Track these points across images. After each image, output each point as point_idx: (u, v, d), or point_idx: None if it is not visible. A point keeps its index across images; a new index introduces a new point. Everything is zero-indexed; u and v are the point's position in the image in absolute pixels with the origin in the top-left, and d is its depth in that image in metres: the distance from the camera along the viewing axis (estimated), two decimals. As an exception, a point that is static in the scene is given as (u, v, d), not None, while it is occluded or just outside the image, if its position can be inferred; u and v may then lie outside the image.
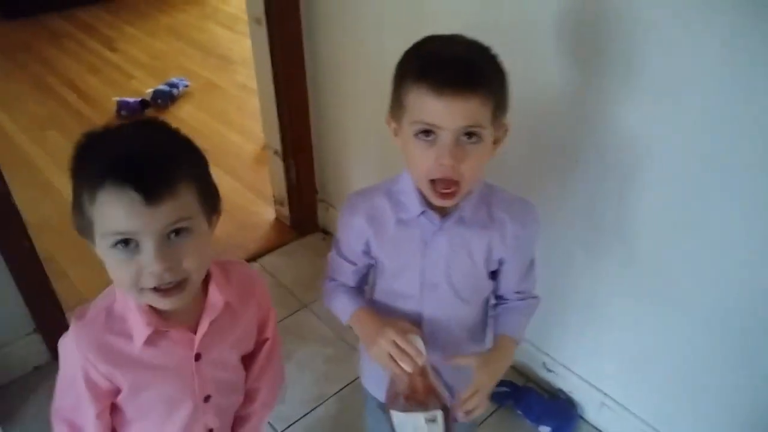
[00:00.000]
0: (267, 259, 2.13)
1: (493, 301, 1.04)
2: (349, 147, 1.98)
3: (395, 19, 1.57)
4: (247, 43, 3.67)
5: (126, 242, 0.71)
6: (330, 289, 1.03)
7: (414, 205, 0.88)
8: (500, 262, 0.95)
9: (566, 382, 1.60)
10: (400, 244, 0.91)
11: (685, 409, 1.36)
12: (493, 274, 0.97)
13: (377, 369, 0.96)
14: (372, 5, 1.61)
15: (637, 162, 1.20)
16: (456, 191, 0.81)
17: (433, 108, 0.76)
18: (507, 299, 1.01)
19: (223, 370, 0.92)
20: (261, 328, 0.98)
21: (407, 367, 0.84)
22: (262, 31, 1.81)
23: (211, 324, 0.85)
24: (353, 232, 0.95)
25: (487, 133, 0.80)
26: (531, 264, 0.99)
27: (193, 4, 4.37)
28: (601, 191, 1.29)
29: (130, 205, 0.68)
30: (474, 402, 0.88)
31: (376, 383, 1.08)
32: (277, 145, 2.05)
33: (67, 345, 0.83)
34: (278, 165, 2.10)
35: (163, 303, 0.76)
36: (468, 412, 0.89)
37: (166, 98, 3.02)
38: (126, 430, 0.90)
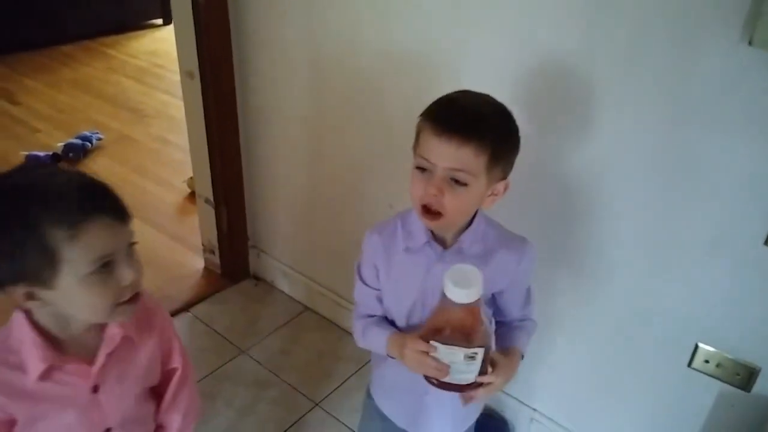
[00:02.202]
0: (199, 308, 2.13)
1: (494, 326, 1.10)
2: (280, 193, 2.06)
3: (326, 72, 1.70)
4: (159, 95, 3.76)
5: (106, 264, 0.79)
6: (360, 328, 1.08)
7: (420, 235, 0.98)
8: (498, 294, 1.04)
9: (498, 402, 1.73)
10: (406, 269, 1.00)
11: (599, 412, 1.54)
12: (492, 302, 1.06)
13: (394, 393, 1.08)
14: (303, 58, 1.74)
15: (587, 195, 1.38)
16: (439, 216, 0.91)
17: (432, 146, 0.88)
18: (511, 322, 1.09)
19: (125, 403, 0.95)
20: (165, 358, 1.01)
21: (433, 373, 0.88)
22: (195, 84, 1.88)
23: (109, 356, 0.89)
24: (370, 254, 1.04)
25: (476, 182, 0.89)
26: (528, 293, 1.08)
27: (98, 58, 4.30)
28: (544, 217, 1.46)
29: (111, 228, 0.79)
30: (481, 392, 0.92)
31: (392, 405, 1.16)
32: (208, 193, 2.09)
33: None
34: (209, 213, 2.13)
35: (130, 313, 0.85)
36: (471, 397, 0.94)
37: (78, 151, 2.95)
38: None
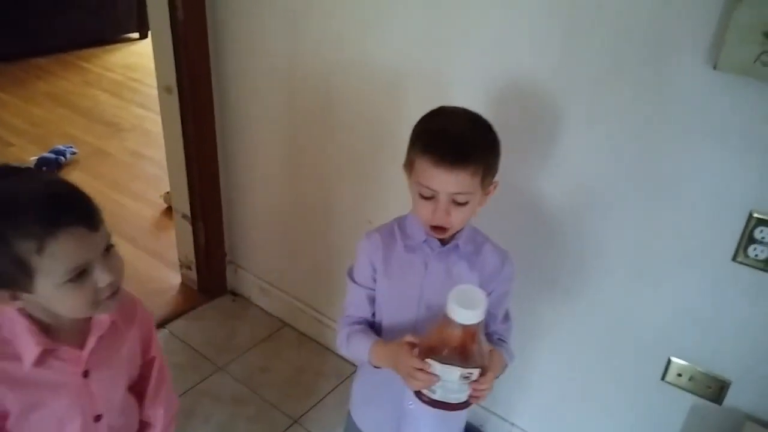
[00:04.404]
0: (175, 325, 2.10)
1: None
2: (258, 208, 2.06)
3: (306, 88, 1.72)
4: (135, 109, 3.73)
5: (82, 273, 0.80)
6: (345, 336, 1.10)
7: (419, 234, 1.05)
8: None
9: (477, 416, 1.74)
10: (405, 266, 1.06)
11: (575, 426, 1.56)
12: None
13: (372, 404, 1.10)
14: (282, 73, 1.74)
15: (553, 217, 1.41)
16: (447, 231, 1.00)
17: (433, 176, 0.95)
18: (492, 335, 1.10)
19: (114, 390, 0.99)
20: (145, 347, 1.05)
21: (423, 386, 0.92)
22: (173, 99, 1.87)
23: (98, 340, 0.92)
24: (368, 252, 1.08)
25: (475, 196, 0.98)
26: (507, 313, 1.13)
27: (73, 71, 4.25)
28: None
29: (82, 239, 0.79)
30: (485, 387, 0.93)
31: (362, 413, 1.19)
32: (185, 208, 2.07)
33: None
34: (186, 228, 2.12)
35: (113, 306, 0.87)
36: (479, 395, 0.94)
37: (52, 166, 2.91)
38: None
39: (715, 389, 1.28)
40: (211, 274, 2.20)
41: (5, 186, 0.80)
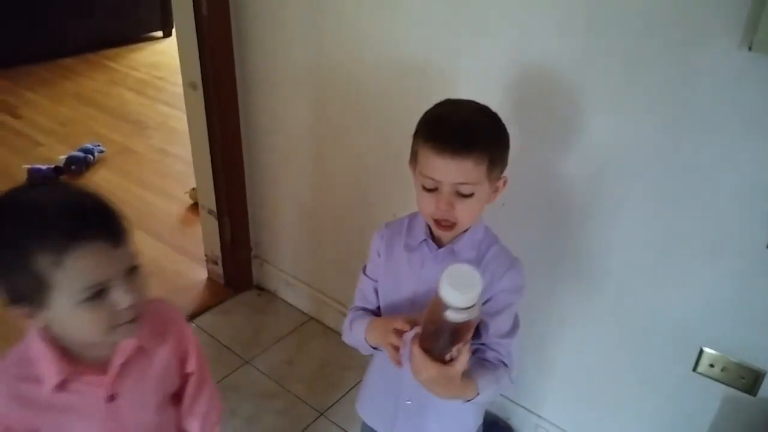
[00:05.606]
0: (203, 319, 2.13)
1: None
2: (283, 203, 2.07)
3: (329, 82, 1.72)
4: (160, 107, 3.78)
5: (100, 292, 0.77)
6: (348, 323, 1.12)
7: (419, 234, 1.03)
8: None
9: (503, 409, 1.73)
10: (403, 264, 1.05)
11: (604, 418, 1.54)
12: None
13: (374, 397, 1.09)
14: (306, 67, 1.75)
15: (578, 203, 1.39)
16: (453, 226, 0.97)
17: (435, 165, 0.92)
18: (484, 349, 1.02)
19: (145, 412, 0.95)
20: (182, 363, 1.00)
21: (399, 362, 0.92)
22: (198, 95, 1.89)
23: (123, 366, 0.88)
24: (375, 246, 1.09)
25: (480, 188, 0.94)
26: (509, 323, 1.02)
27: (99, 70, 4.32)
28: (549, 231, 1.47)
29: (102, 255, 0.75)
30: (417, 361, 0.85)
31: (371, 411, 1.19)
32: (211, 204, 2.10)
33: None
34: (212, 224, 2.14)
35: (131, 331, 0.83)
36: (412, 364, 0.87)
37: (81, 164, 2.96)
38: None
39: (749, 380, 1.25)
40: (237, 268, 2.22)
41: (30, 195, 0.78)
